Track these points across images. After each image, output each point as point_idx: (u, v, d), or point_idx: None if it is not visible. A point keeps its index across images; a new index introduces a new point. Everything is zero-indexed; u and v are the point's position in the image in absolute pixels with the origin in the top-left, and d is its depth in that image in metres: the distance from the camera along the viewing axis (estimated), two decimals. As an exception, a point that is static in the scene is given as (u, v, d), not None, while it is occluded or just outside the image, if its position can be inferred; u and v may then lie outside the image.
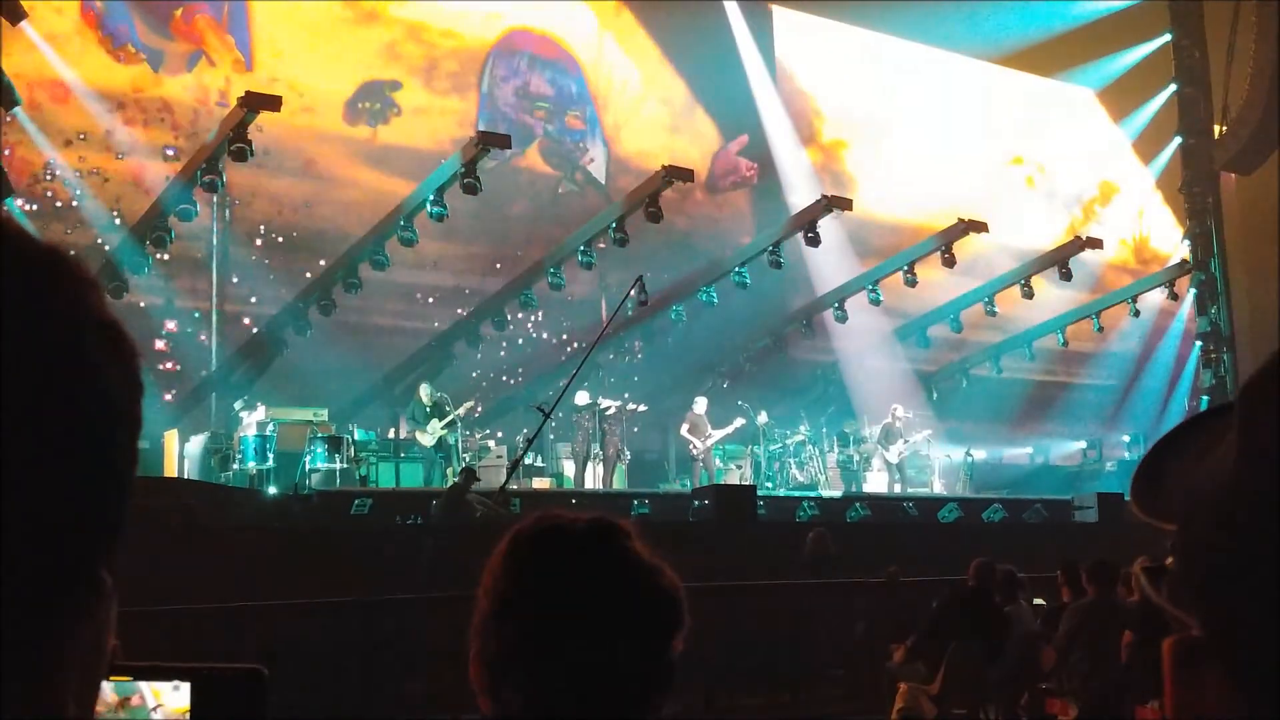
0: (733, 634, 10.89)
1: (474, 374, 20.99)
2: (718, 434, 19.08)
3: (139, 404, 0.75)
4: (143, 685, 1.17)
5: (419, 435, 17.37)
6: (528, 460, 17.43)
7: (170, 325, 19.14)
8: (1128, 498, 0.88)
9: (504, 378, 21.93)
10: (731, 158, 25.42)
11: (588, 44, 24.48)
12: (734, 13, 25.22)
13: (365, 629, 10.24)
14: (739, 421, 19.61)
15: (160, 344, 18.88)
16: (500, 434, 19.64)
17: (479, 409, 18.66)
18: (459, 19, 23.10)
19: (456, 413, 17.34)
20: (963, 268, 20.96)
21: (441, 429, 17.21)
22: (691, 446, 18.91)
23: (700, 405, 19.27)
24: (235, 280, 19.85)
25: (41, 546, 0.69)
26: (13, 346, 0.68)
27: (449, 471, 17.38)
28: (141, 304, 18.05)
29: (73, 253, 0.75)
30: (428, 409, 17.31)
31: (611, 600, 1.51)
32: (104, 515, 0.72)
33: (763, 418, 20.14)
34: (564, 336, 22.53)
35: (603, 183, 24.06)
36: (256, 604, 9.86)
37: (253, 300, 19.89)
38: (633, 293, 11.50)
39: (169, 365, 18.97)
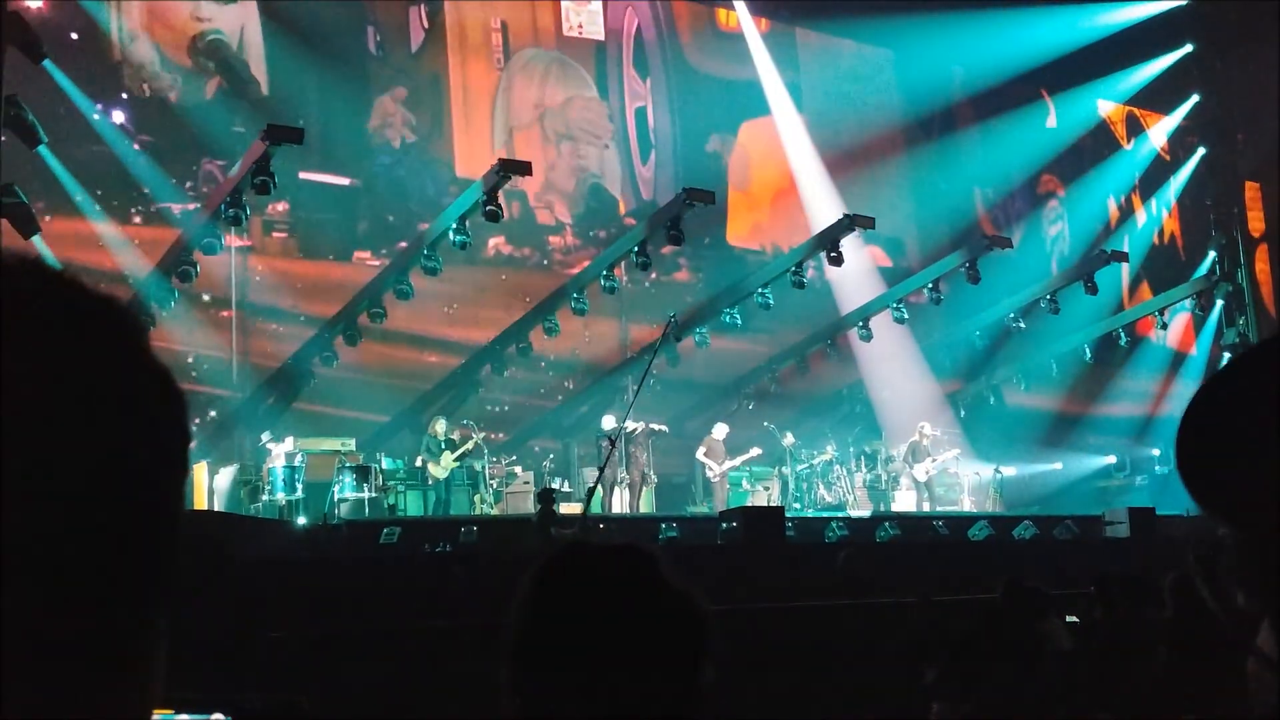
0: (762, 656, 10.84)
1: (502, 400, 21.02)
2: (735, 461, 19.08)
3: (187, 452, 0.77)
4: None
5: (431, 467, 17.39)
6: (556, 485, 17.46)
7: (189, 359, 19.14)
8: (1177, 470, 0.93)
9: (527, 403, 21.94)
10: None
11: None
12: (755, 37, 25.27)
13: (397, 659, 10.23)
14: (755, 450, 19.56)
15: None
16: (514, 458, 19.60)
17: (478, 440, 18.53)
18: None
19: (465, 447, 17.43)
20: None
21: (454, 462, 17.29)
22: (708, 470, 18.92)
23: (720, 431, 19.24)
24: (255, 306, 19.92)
25: (97, 592, 0.70)
26: (71, 396, 0.70)
27: (476, 499, 17.40)
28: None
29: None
30: (442, 442, 17.40)
31: (641, 627, 1.52)
32: (157, 560, 0.74)
33: (789, 439, 20.09)
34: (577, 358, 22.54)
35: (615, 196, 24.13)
36: (289, 635, 9.88)
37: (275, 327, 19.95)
38: (666, 333, 11.57)
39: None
